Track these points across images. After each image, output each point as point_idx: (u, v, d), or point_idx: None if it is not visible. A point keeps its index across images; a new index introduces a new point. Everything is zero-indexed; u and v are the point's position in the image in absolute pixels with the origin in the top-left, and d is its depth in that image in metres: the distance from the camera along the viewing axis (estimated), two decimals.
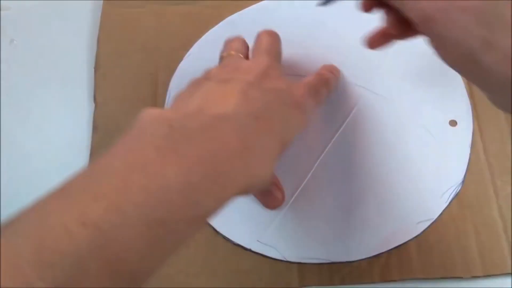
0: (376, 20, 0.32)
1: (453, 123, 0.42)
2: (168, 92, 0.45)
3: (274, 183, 0.39)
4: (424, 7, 0.27)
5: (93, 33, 0.48)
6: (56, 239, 0.21)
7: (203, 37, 0.47)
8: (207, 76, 0.34)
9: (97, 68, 0.46)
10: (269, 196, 0.39)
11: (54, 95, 0.46)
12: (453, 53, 0.28)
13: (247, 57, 0.38)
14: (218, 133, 0.28)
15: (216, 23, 0.47)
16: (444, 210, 0.40)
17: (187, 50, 0.46)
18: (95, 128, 0.44)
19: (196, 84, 0.33)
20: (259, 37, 0.39)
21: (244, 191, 0.28)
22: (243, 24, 0.47)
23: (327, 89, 0.40)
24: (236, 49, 0.38)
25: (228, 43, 0.39)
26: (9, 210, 0.40)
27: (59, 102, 0.46)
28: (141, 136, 0.27)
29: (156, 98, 0.45)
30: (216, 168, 0.27)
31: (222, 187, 0.27)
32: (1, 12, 0.50)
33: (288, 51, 0.45)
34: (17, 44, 0.49)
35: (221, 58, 0.38)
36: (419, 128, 0.42)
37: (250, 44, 0.39)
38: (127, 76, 0.46)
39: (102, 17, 0.48)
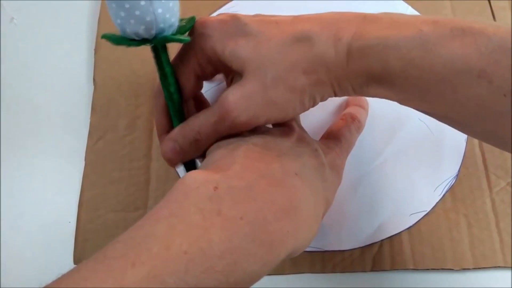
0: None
1: None
2: None
3: None
4: None
5: (94, 13, 0.48)
6: None
7: None
8: (240, 134, 0.32)
9: (96, 49, 0.46)
10: None
11: (53, 74, 0.46)
12: None
13: None
14: (265, 192, 0.27)
15: (216, 9, 0.47)
16: (437, 203, 0.40)
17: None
18: (94, 109, 0.44)
19: (232, 142, 0.31)
20: None
21: (290, 255, 0.27)
22: (243, 11, 0.47)
23: (358, 133, 0.39)
24: None
25: None
26: (7, 192, 0.41)
27: (58, 81, 0.46)
28: (185, 199, 0.26)
29: (156, 81, 0.44)
30: (263, 229, 0.25)
31: (269, 250, 0.25)
32: None
33: None
34: (17, 23, 0.49)
35: None
36: (415, 120, 0.42)
37: None
38: (126, 58, 0.46)
39: None
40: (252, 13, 0.47)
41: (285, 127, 0.34)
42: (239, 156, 0.29)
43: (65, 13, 0.49)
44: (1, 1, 0.49)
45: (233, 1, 0.47)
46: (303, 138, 0.33)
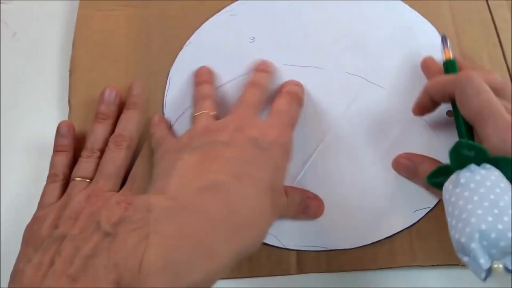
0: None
1: (451, 113, 0.42)
2: (168, 80, 0.45)
3: (306, 197, 0.39)
4: None
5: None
6: None
7: (203, 25, 0.47)
8: (180, 146, 0.33)
9: (72, 71, 0.46)
10: (309, 210, 0.39)
11: (55, 85, 0.47)
12: None
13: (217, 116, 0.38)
14: (200, 206, 0.28)
15: (216, 11, 0.47)
16: (441, 199, 0.40)
17: (187, 38, 0.46)
18: None
19: (171, 157, 0.33)
20: (245, 89, 0.39)
21: (239, 256, 0.28)
22: (242, 13, 0.47)
23: (299, 105, 0.40)
24: (208, 107, 0.38)
25: (198, 101, 0.39)
26: (8, 195, 0.41)
27: (59, 93, 0.46)
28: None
29: (156, 87, 0.45)
30: (199, 242, 0.26)
31: (209, 260, 0.26)
32: (2, 5, 0.50)
33: (287, 41, 0.45)
34: (19, 37, 0.49)
35: (193, 118, 0.38)
36: (418, 118, 0.42)
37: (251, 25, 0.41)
38: (102, 80, 0.45)
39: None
40: (253, 18, 0.48)
41: (231, 111, 0.36)
42: (175, 177, 0.30)
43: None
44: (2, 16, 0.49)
45: (232, 4, 0.48)
46: (241, 125, 0.33)
